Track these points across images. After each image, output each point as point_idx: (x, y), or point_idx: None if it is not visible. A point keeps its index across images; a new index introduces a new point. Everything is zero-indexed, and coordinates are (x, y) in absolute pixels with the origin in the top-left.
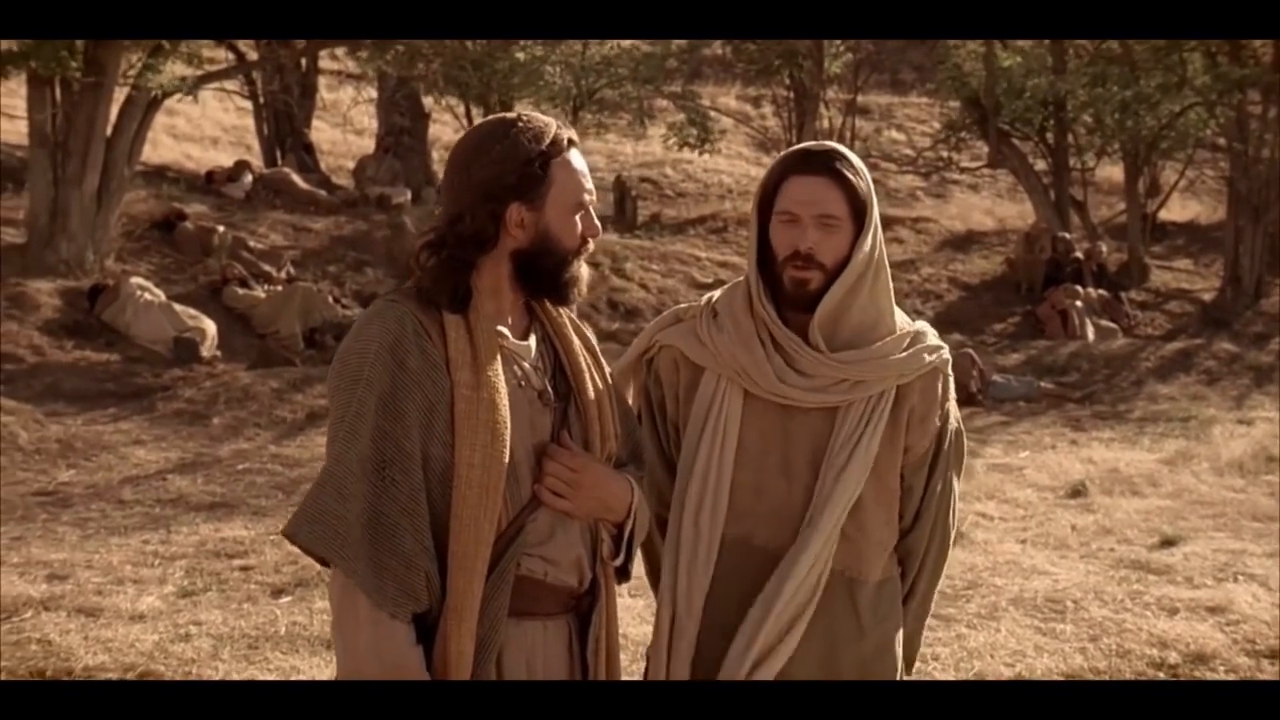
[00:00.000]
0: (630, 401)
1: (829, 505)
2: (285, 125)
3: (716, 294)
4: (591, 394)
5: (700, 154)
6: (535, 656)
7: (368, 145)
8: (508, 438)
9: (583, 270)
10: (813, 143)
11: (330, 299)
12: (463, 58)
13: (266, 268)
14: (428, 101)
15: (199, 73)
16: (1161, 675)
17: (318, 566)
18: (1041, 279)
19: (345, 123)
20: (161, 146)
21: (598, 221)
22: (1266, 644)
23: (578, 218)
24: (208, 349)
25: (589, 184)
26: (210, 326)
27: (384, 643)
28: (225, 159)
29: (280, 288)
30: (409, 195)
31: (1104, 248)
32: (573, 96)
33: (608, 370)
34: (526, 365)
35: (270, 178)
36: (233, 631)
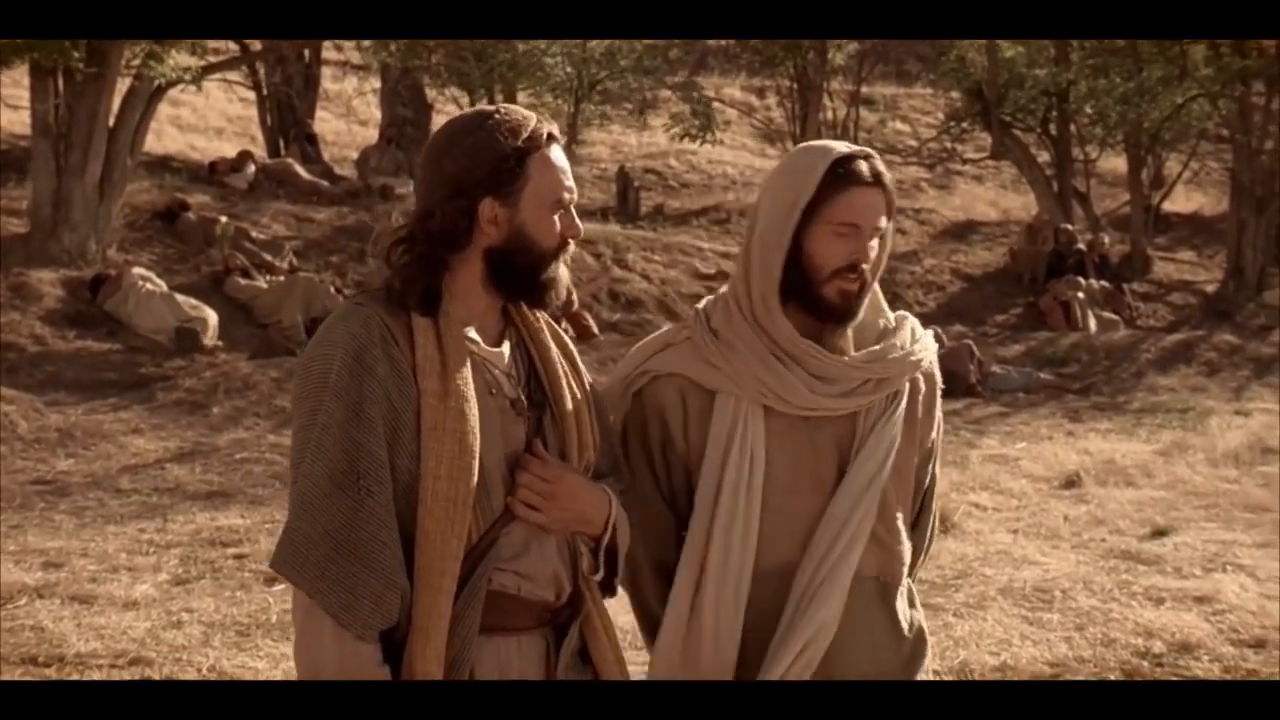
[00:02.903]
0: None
1: (847, 494)
2: (289, 116)
3: (704, 312)
4: (569, 402)
5: (701, 145)
6: (509, 673)
7: (372, 136)
8: (476, 449)
9: (562, 272)
10: (845, 146)
11: (332, 289)
12: (464, 49)
13: (269, 258)
14: (431, 93)
15: (202, 63)
16: (1146, 665)
17: None
18: (1044, 270)
19: (349, 113)
20: (166, 137)
21: (579, 221)
22: (1251, 633)
23: (556, 217)
24: (209, 339)
25: (569, 182)
26: (212, 316)
27: (349, 662)
28: (230, 149)
29: (282, 278)
30: (412, 186)
31: (1106, 239)
32: (574, 88)
33: (587, 378)
34: (498, 372)
35: (273, 168)
36: (224, 619)
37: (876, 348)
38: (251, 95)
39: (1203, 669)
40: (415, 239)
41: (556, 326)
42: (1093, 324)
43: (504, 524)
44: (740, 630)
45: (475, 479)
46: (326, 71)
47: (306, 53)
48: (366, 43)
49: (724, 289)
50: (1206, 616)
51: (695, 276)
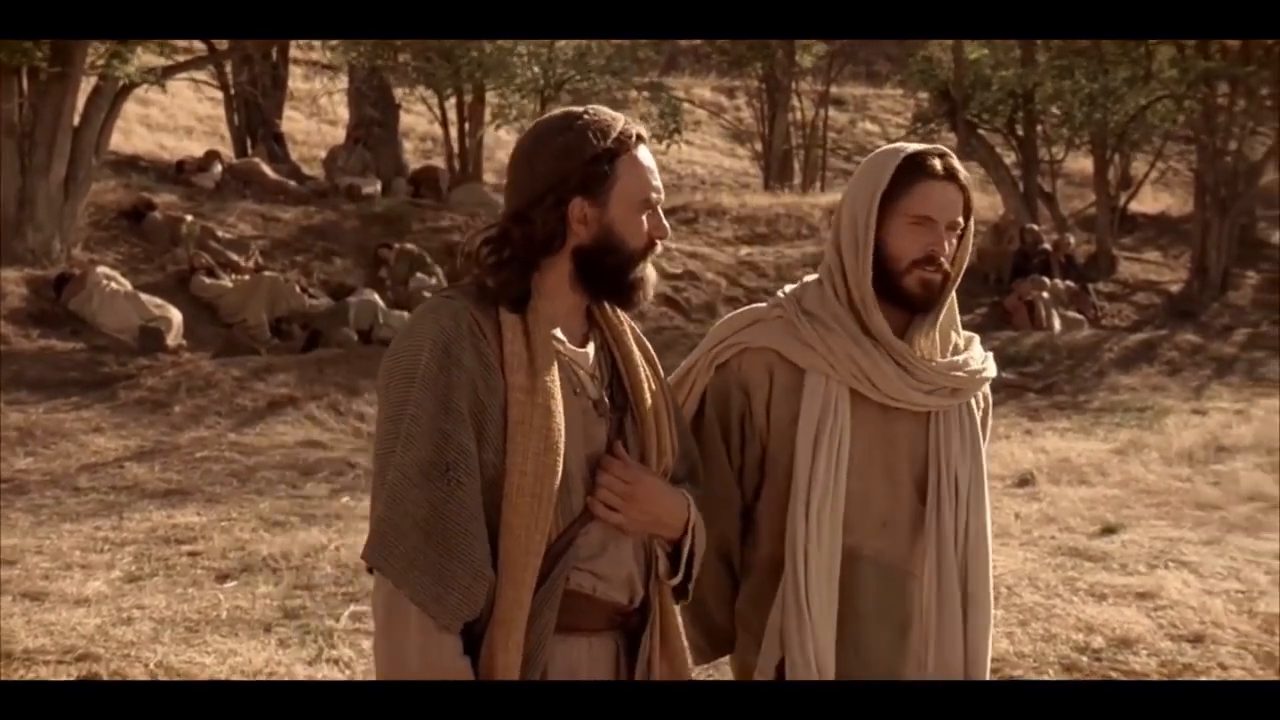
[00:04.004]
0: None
1: (949, 517)
2: (256, 116)
3: (795, 295)
4: (649, 405)
5: (667, 146)
6: (579, 673)
7: (342, 136)
8: (562, 446)
9: (649, 273)
10: (920, 145)
11: (298, 288)
12: (430, 48)
13: (234, 257)
14: (400, 92)
15: (167, 63)
16: (1085, 659)
17: (264, 552)
18: (1009, 270)
19: (318, 112)
20: (135, 136)
21: (666, 222)
22: (1190, 629)
23: (644, 217)
24: (173, 338)
25: (657, 182)
26: (176, 316)
27: (433, 654)
28: (199, 149)
29: (248, 277)
30: (379, 186)
31: (1071, 239)
32: (540, 88)
33: (667, 382)
34: (582, 373)
35: (240, 168)
36: (174, 615)
37: (957, 359)
38: (218, 95)
39: (1140, 664)
40: (508, 240)
41: (638, 330)
42: (1057, 323)
43: (582, 524)
44: (836, 609)
45: (559, 476)
46: (297, 71)
47: (274, 52)
48: (334, 41)
49: (811, 276)
50: (1148, 612)
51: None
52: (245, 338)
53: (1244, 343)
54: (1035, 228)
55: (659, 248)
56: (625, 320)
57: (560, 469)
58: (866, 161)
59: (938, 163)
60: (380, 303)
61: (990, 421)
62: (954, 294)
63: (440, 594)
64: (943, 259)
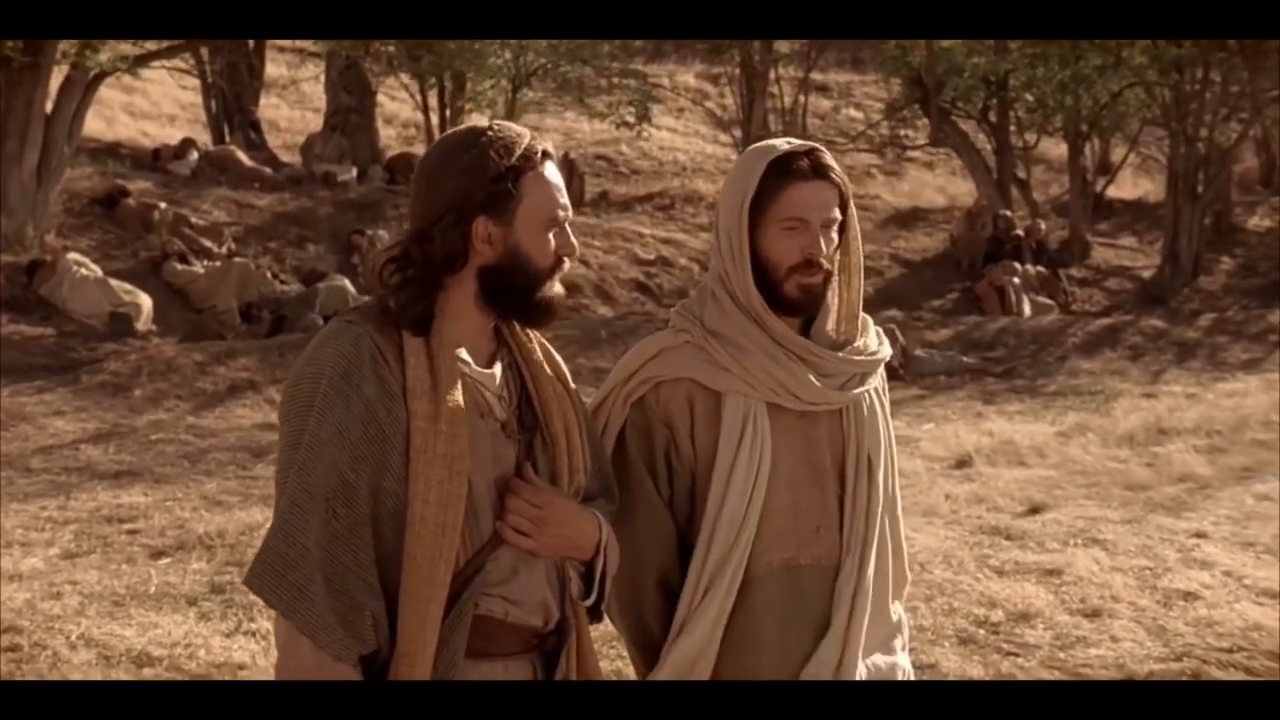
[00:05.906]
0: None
1: (871, 506)
2: (233, 103)
3: (694, 314)
4: (560, 425)
5: (638, 133)
6: None
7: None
8: (466, 474)
9: (557, 290)
10: (788, 143)
11: (269, 275)
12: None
13: (208, 244)
14: (386, 79)
15: (140, 51)
16: (982, 633)
17: (200, 530)
18: (982, 256)
19: (301, 100)
20: (118, 123)
21: (574, 239)
22: (1091, 604)
23: (551, 234)
24: (143, 324)
25: (564, 199)
26: (146, 301)
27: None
28: (182, 136)
29: (220, 263)
30: (354, 172)
31: (1043, 225)
32: (512, 75)
33: (579, 399)
34: (489, 394)
35: (215, 155)
36: (104, 590)
37: (859, 344)
38: (195, 82)
39: (1035, 637)
40: (410, 260)
41: (549, 346)
42: (1027, 308)
43: (492, 548)
44: (723, 629)
45: (464, 504)
46: (280, 58)
47: (251, 40)
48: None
49: (701, 285)
50: (1054, 589)
51: (635, 262)
52: (214, 323)
53: (1209, 328)
54: (1008, 214)
55: (567, 265)
56: (535, 338)
57: (464, 497)
58: (735, 166)
59: (805, 162)
60: (351, 289)
61: (886, 393)
62: (860, 284)
63: (330, 624)
64: (821, 259)
